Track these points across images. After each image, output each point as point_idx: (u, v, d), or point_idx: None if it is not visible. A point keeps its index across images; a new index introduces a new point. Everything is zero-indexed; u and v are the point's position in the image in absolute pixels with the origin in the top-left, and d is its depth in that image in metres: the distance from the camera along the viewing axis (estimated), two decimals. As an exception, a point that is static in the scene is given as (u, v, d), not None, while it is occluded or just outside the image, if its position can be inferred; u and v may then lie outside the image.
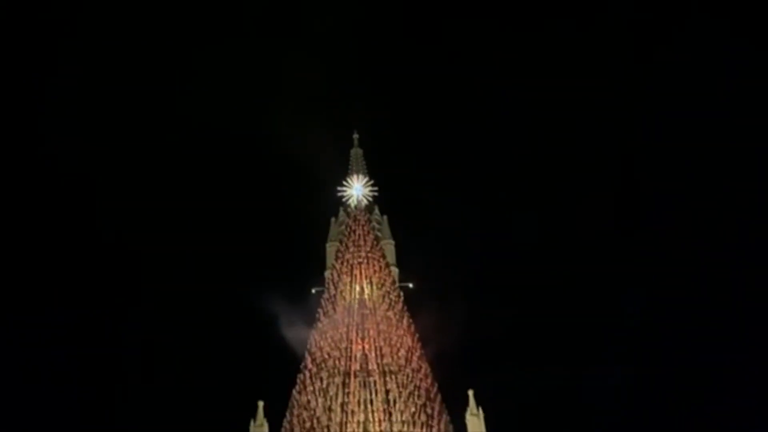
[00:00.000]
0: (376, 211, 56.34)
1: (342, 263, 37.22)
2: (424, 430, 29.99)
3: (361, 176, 42.81)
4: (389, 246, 54.18)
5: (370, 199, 41.99)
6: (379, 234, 46.94)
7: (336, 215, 58.38)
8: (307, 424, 30.23)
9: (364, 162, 57.97)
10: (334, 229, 56.88)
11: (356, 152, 59.81)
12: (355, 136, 61.90)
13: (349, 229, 39.43)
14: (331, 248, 54.51)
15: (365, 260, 36.82)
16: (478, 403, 45.90)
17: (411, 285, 47.13)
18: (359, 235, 38.17)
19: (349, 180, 41.85)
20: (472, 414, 45.47)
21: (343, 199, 42.48)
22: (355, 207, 40.66)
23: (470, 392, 46.63)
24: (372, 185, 41.18)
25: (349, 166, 57.30)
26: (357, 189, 40.82)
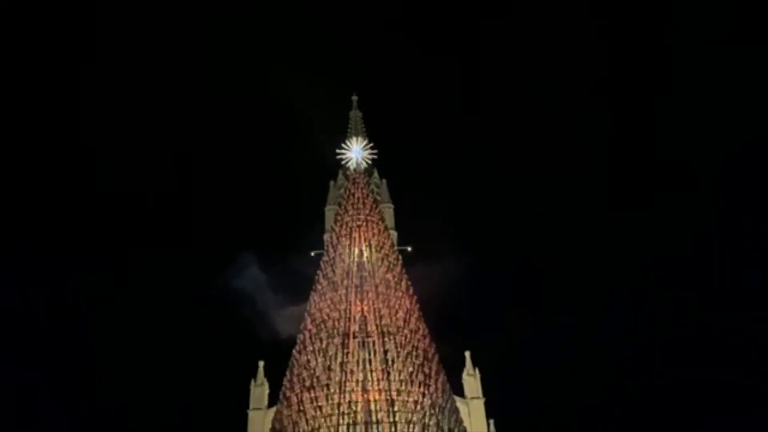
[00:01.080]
0: (375, 174, 55.98)
1: (341, 226, 37.13)
2: (422, 389, 30.47)
3: (360, 139, 42.23)
4: (388, 210, 54.08)
5: (369, 161, 41.55)
6: (378, 198, 46.80)
7: (335, 179, 58.08)
8: (307, 383, 30.69)
9: (363, 125, 57.22)
10: (333, 193, 56.67)
11: (355, 114, 58.96)
12: (354, 98, 60.94)
13: (348, 192, 39.14)
14: (330, 212, 54.42)
15: (364, 223, 36.70)
16: (474, 364, 46.87)
17: (409, 248, 47.26)
18: (358, 198, 37.91)
19: (348, 142, 41.29)
20: (468, 374, 46.44)
21: (342, 162, 42.07)
22: (354, 170, 40.23)
23: (467, 353, 47.52)
24: (371, 148, 40.69)
25: (348, 129, 56.58)
26: (356, 151, 40.29)
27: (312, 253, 46.35)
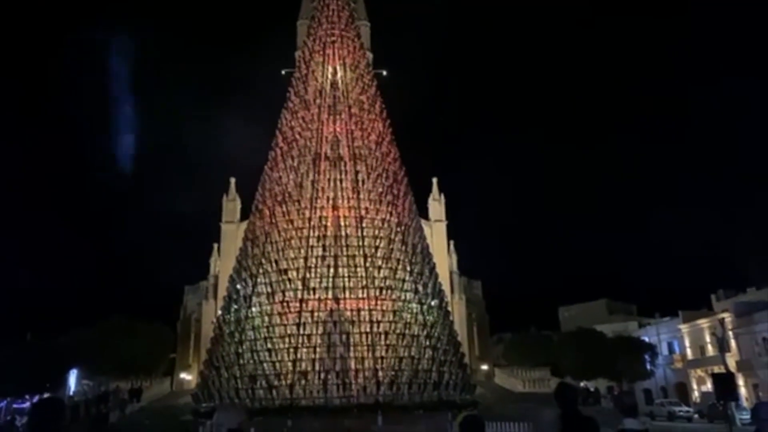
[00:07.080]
0: (352, -13, 51.09)
1: (314, 41, 34.68)
2: (390, 208, 31.66)
3: (336, -61, 37.27)
4: (364, 28, 50.70)
5: (347, -32, 37.32)
6: (354, 14, 43.37)
7: (308, -10, 52.85)
8: (279, 198, 31.39)
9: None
10: (305, 6, 52.11)
11: None
12: None
13: (321, 4, 35.82)
14: (302, 26, 50.66)
15: (339, 39, 34.32)
16: (440, 190, 49.00)
17: (385, 72, 45.56)
18: (333, 9, 34.85)
19: (323, -57, 36.48)
20: (434, 199, 48.84)
21: (316, -33, 37.66)
22: (330, -23, 36.27)
23: (434, 180, 49.39)
24: (349, -49, 36.22)
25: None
26: (332, -45, 35.89)
27: (283, 72, 44.30)
